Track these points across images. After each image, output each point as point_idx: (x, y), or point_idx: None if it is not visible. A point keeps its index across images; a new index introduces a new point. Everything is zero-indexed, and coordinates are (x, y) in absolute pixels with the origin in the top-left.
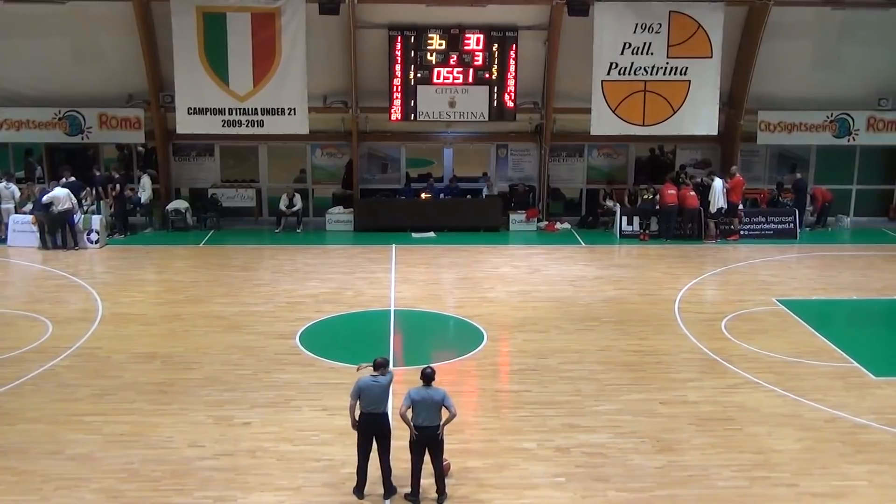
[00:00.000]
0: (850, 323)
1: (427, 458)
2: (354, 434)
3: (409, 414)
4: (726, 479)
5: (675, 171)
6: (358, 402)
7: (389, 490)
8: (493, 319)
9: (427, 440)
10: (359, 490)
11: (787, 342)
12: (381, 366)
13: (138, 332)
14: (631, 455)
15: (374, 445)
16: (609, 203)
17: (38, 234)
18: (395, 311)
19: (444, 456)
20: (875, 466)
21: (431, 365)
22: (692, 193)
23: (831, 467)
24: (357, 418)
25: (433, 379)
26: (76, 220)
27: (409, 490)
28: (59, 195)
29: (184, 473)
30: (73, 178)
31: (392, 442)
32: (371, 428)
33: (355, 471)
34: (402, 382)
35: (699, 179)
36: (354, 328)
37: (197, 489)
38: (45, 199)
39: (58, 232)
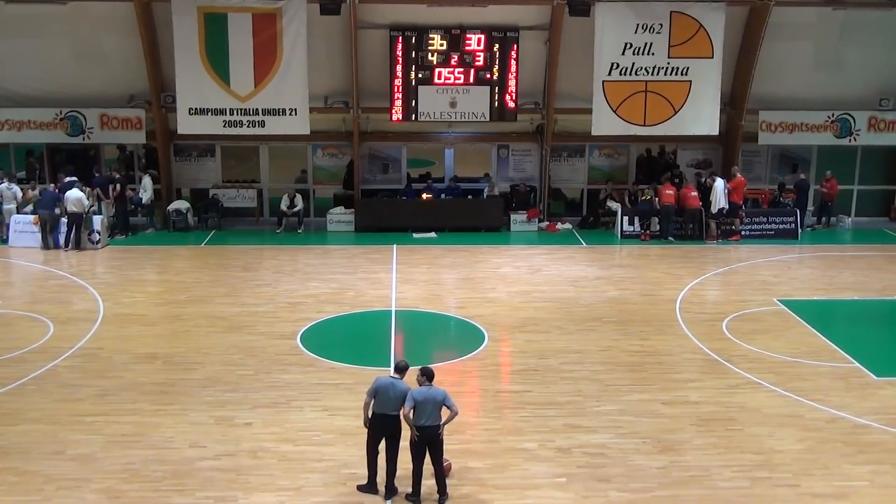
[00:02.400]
0: (851, 323)
1: (428, 458)
2: (356, 434)
3: (412, 415)
4: (728, 480)
5: (669, 172)
6: (372, 402)
7: (391, 491)
8: (495, 320)
9: (428, 440)
10: (370, 487)
11: (788, 342)
12: (402, 369)
13: (139, 332)
14: (632, 455)
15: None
16: (610, 203)
17: (39, 235)
18: (396, 311)
19: (445, 456)
20: (876, 467)
21: (429, 365)
22: (693, 194)
23: (832, 468)
24: (370, 417)
25: (433, 377)
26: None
27: (409, 490)
28: (70, 196)
29: (185, 474)
30: (73, 178)
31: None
32: (381, 429)
33: (366, 467)
34: (405, 383)
35: (703, 179)
36: (356, 328)
37: (198, 489)
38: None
39: (59, 231)
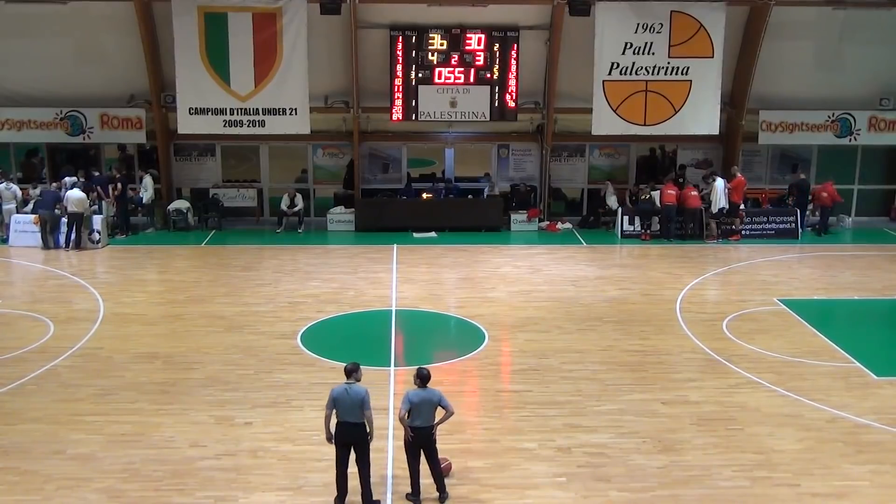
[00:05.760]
0: (851, 323)
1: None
2: None
3: (407, 416)
4: (728, 479)
5: (673, 172)
6: (333, 413)
7: (367, 502)
8: (495, 319)
9: (422, 441)
10: (340, 501)
11: (788, 342)
12: (351, 372)
13: (140, 332)
14: (632, 455)
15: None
16: (611, 201)
17: (39, 235)
18: (396, 310)
19: (446, 456)
20: (876, 466)
21: (426, 366)
22: (693, 193)
23: (833, 467)
24: (333, 428)
25: (429, 379)
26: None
27: (409, 490)
28: (71, 196)
29: (185, 473)
30: (74, 178)
31: (389, 444)
32: (346, 437)
33: (335, 480)
34: (405, 383)
35: (707, 180)
36: (356, 328)
37: (198, 489)
38: (63, 195)
39: (59, 231)
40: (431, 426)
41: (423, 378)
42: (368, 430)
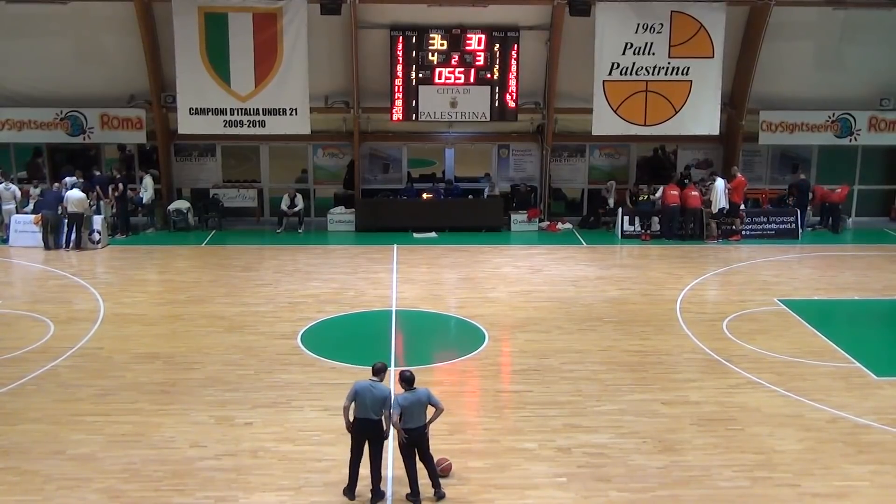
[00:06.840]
0: (851, 323)
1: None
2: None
3: (399, 420)
4: (728, 480)
5: (678, 173)
6: (353, 405)
7: (377, 495)
8: (495, 319)
9: (416, 441)
10: (350, 491)
11: (788, 342)
12: (379, 371)
13: (140, 332)
14: (633, 455)
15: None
16: (609, 197)
17: (39, 235)
18: (396, 311)
19: (445, 456)
20: (877, 467)
21: (407, 368)
22: (694, 193)
23: (833, 468)
24: (351, 421)
25: (414, 381)
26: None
27: (408, 491)
28: (71, 196)
29: (185, 474)
30: (74, 178)
31: (389, 444)
32: (363, 433)
33: (348, 470)
34: None
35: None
36: (356, 328)
37: (198, 489)
38: (64, 195)
39: (60, 231)
40: (424, 425)
41: (407, 381)
42: (385, 428)
